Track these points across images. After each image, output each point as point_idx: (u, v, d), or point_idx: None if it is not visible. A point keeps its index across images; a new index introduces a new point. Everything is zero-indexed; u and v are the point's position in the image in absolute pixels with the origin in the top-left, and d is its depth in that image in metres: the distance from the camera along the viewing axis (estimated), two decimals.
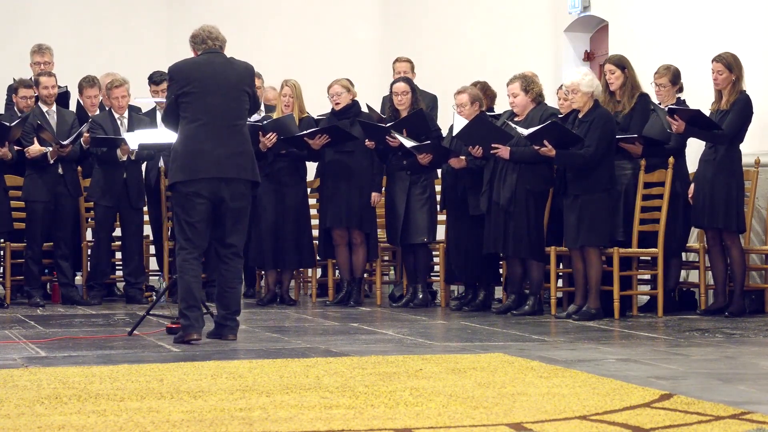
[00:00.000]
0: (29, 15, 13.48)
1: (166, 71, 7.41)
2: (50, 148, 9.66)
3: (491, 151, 8.77)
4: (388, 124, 9.48)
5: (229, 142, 7.10)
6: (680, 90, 9.01)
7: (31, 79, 10.38)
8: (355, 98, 9.85)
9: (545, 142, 8.40)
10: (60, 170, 9.81)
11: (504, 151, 8.72)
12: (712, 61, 8.57)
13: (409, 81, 9.70)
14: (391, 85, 9.82)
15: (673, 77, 8.94)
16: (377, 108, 10.64)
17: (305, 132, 9.57)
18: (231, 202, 7.12)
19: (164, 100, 7.47)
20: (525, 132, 8.53)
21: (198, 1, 14.09)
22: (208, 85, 7.12)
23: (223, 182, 7.08)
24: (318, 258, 10.27)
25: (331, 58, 13.57)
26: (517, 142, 8.71)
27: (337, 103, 9.73)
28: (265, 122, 9.70)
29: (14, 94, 10.06)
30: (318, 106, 10.45)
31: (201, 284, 7.24)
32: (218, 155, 7.05)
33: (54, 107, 9.96)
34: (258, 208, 9.82)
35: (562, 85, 9.06)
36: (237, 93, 7.18)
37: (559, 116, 8.80)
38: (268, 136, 9.50)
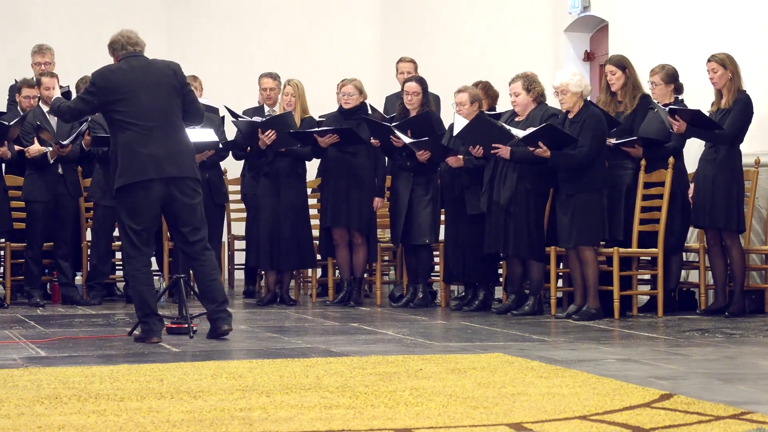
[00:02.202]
0: (29, 15, 13.48)
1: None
2: (50, 148, 9.67)
3: (492, 151, 8.78)
4: (393, 124, 9.48)
5: (167, 141, 7.08)
6: (679, 92, 8.99)
7: (32, 78, 10.38)
8: (365, 101, 9.84)
9: (540, 144, 8.41)
10: (60, 170, 9.82)
11: (504, 151, 8.72)
12: (707, 62, 8.57)
13: (421, 81, 9.65)
14: (403, 83, 9.82)
15: (666, 76, 8.92)
16: (380, 108, 10.64)
17: (317, 129, 9.57)
18: (182, 199, 7.10)
19: None
20: (520, 134, 8.54)
21: (198, 1, 14.09)
22: (136, 89, 7.09)
23: (170, 182, 7.06)
24: (318, 258, 10.27)
25: (331, 58, 13.58)
26: (518, 141, 8.71)
27: (347, 102, 9.73)
28: (263, 120, 9.69)
29: (17, 94, 10.06)
30: (318, 106, 10.44)
31: (153, 290, 7.25)
32: (159, 156, 7.02)
33: None
34: (257, 207, 9.82)
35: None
36: (166, 92, 7.16)
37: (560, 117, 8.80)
38: (266, 133, 9.50)
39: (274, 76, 10.36)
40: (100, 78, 7.22)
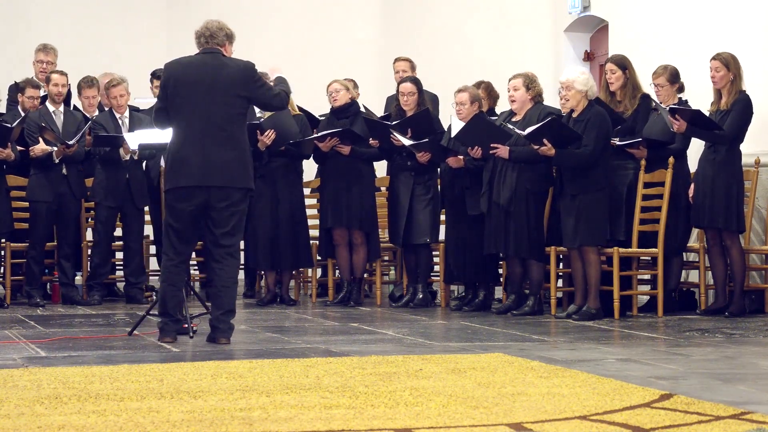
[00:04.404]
0: (29, 15, 13.48)
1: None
2: (55, 148, 9.66)
3: (490, 151, 8.77)
4: (393, 122, 9.48)
5: (214, 148, 6.93)
6: (681, 90, 9.01)
7: (33, 78, 10.37)
8: (354, 99, 9.85)
9: (545, 141, 8.40)
10: (64, 170, 9.81)
11: (503, 151, 8.72)
12: (711, 60, 8.58)
13: (416, 81, 9.67)
14: (398, 84, 9.83)
15: (670, 76, 8.93)
16: (380, 108, 10.64)
17: (316, 135, 9.57)
18: (219, 209, 7.00)
19: None
20: (524, 132, 8.52)
21: (198, 1, 14.08)
22: (195, 89, 6.96)
23: (207, 190, 6.95)
24: (318, 258, 10.27)
25: (331, 58, 13.58)
26: (516, 141, 8.71)
27: (335, 99, 9.74)
28: (261, 120, 9.68)
29: (21, 94, 10.05)
30: (318, 106, 10.45)
31: (178, 292, 7.17)
32: (200, 162, 6.91)
33: (62, 107, 9.96)
34: (254, 208, 9.81)
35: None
36: (227, 97, 6.98)
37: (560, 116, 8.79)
38: (266, 133, 9.48)
39: (265, 75, 10.34)
40: (168, 69, 7.12)
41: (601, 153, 8.42)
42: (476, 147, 8.87)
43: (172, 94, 7.02)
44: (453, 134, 9.14)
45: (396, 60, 10.81)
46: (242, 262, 10.66)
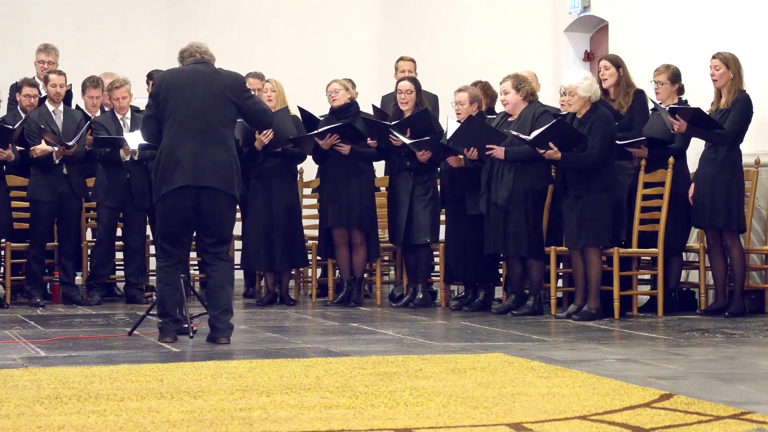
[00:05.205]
0: (29, 15, 13.48)
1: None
2: (56, 148, 9.66)
3: (486, 152, 8.77)
4: (393, 122, 9.48)
5: (205, 150, 6.97)
6: (681, 92, 9.00)
7: (33, 78, 10.37)
8: (354, 99, 9.85)
9: (550, 145, 8.36)
10: (64, 170, 9.81)
11: (498, 152, 8.72)
12: (711, 58, 8.58)
13: (414, 80, 9.68)
14: (397, 83, 9.83)
15: (671, 75, 8.93)
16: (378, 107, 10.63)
17: (316, 132, 9.57)
18: (208, 212, 7.03)
19: None
20: (529, 137, 8.49)
21: (198, 1, 14.09)
22: (187, 93, 7.02)
23: (198, 191, 6.97)
24: (318, 258, 10.26)
25: (331, 58, 13.58)
26: (512, 141, 8.70)
27: (334, 99, 9.74)
28: None
29: (18, 93, 10.05)
30: (318, 106, 10.45)
31: (176, 291, 7.16)
32: (192, 163, 6.94)
33: (61, 106, 9.95)
34: (249, 208, 9.80)
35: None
36: (219, 102, 7.03)
37: (559, 115, 8.77)
38: (264, 132, 9.47)
39: (260, 76, 10.35)
40: (158, 77, 7.22)
41: (607, 155, 8.41)
42: (472, 148, 8.87)
43: (164, 99, 7.06)
44: (448, 136, 9.14)
45: (400, 59, 10.81)
46: (239, 262, 10.69)
